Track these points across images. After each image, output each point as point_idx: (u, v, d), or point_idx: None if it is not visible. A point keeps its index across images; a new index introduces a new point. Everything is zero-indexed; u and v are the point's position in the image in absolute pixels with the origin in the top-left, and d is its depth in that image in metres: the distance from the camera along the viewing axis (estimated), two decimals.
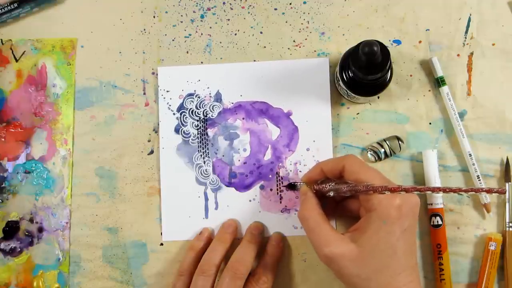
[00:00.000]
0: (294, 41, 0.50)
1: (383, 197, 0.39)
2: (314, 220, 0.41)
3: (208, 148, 0.49)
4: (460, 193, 0.37)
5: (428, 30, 0.50)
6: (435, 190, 0.39)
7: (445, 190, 0.38)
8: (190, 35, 0.51)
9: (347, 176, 0.41)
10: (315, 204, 0.42)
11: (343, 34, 0.50)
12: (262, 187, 0.49)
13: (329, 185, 0.42)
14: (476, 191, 0.38)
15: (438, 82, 0.48)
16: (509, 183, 0.47)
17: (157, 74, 0.51)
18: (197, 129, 0.50)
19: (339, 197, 0.45)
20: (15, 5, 0.50)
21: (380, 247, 0.38)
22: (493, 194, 0.47)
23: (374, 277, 0.38)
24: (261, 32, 0.51)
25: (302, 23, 0.51)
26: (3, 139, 0.51)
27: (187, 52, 0.51)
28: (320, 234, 0.40)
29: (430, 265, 0.47)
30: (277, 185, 0.49)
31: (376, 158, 0.48)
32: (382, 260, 0.38)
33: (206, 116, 0.50)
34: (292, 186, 0.47)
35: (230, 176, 0.49)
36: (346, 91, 0.45)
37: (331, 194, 0.42)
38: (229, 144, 0.49)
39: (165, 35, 0.51)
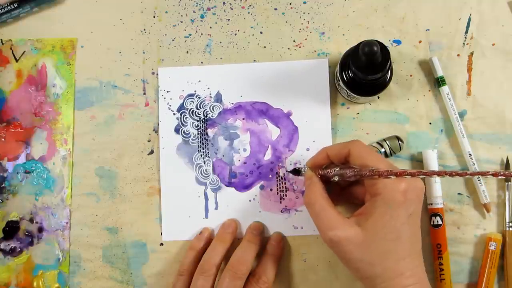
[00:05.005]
0: (294, 41, 0.50)
1: (389, 181, 0.39)
2: (319, 204, 0.41)
3: (208, 148, 0.49)
4: (467, 176, 0.37)
5: (428, 30, 0.50)
6: (441, 174, 0.39)
7: (451, 174, 0.38)
8: (190, 35, 0.51)
9: (352, 161, 0.41)
10: (320, 188, 0.42)
11: (343, 34, 0.50)
12: (262, 187, 0.49)
13: (334, 170, 0.42)
14: (482, 175, 0.38)
15: (438, 82, 0.48)
16: (509, 183, 0.47)
17: (157, 74, 0.51)
18: (197, 129, 0.50)
19: (344, 183, 0.45)
20: (15, 5, 0.50)
21: (385, 232, 0.38)
22: (494, 192, 0.47)
23: (378, 262, 0.38)
24: (261, 32, 0.51)
25: (302, 23, 0.51)
26: (3, 139, 0.51)
27: (187, 52, 0.51)
28: (325, 218, 0.40)
29: (430, 265, 0.47)
30: (277, 185, 0.49)
31: None
32: (386, 244, 0.38)
33: (206, 116, 0.50)
34: (296, 171, 0.46)
35: (230, 176, 0.49)
36: (346, 91, 0.45)
37: (336, 179, 0.42)
38: (229, 144, 0.49)
39: (165, 35, 0.51)
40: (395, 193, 0.38)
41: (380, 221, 0.38)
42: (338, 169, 0.42)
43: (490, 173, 0.37)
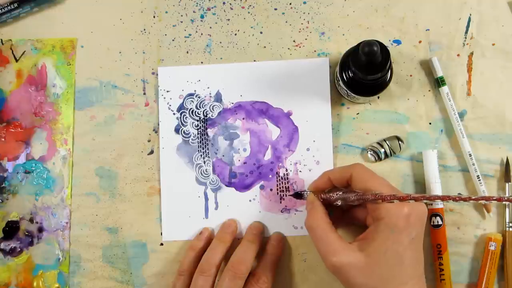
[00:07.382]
0: (294, 41, 0.50)
1: (391, 206, 0.39)
2: (321, 229, 0.41)
3: (208, 148, 0.49)
4: (470, 201, 0.37)
5: (428, 30, 0.50)
6: (445, 198, 0.39)
7: (455, 199, 0.38)
8: (190, 35, 0.51)
9: (354, 185, 0.41)
10: (322, 213, 0.42)
11: (343, 34, 0.50)
12: (262, 187, 0.49)
13: (336, 194, 0.42)
14: (486, 199, 0.38)
15: (438, 82, 0.48)
16: (509, 183, 0.47)
17: (157, 74, 0.51)
18: (197, 129, 0.50)
19: (346, 206, 0.45)
20: (15, 5, 0.50)
21: (388, 257, 0.38)
22: (494, 193, 0.47)
23: (381, 287, 0.38)
24: (261, 32, 0.51)
25: (302, 23, 0.51)
26: (3, 139, 0.51)
27: (187, 52, 0.51)
28: (327, 243, 0.40)
29: (430, 265, 0.47)
30: (277, 185, 0.49)
31: (376, 158, 0.48)
32: (389, 269, 0.38)
33: (206, 116, 0.50)
34: (298, 195, 0.46)
35: (230, 176, 0.49)
36: (346, 91, 0.45)
37: (339, 203, 0.42)
38: (229, 144, 0.49)
39: (165, 35, 0.51)
40: (398, 218, 0.38)
41: (382, 246, 0.38)
42: (341, 193, 0.42)
43: (494, 198, 0.37)
